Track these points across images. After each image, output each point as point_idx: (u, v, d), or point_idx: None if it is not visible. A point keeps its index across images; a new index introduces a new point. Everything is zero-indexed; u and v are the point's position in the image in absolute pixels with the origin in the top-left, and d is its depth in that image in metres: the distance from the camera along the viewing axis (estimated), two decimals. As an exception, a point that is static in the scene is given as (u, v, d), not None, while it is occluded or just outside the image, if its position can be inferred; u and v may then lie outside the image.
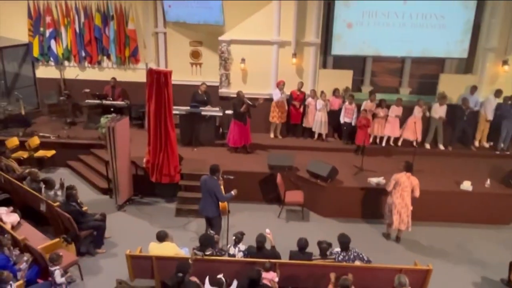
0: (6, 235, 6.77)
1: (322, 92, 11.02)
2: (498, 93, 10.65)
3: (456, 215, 8.97)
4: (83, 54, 12.28)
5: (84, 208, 7.90)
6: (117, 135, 8.64)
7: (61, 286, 6.20)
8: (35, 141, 10.69)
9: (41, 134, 11.08)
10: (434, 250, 8.17)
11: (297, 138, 11.45)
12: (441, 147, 10.92)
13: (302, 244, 6.57)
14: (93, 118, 11.60)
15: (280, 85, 10.89)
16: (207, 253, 6.32)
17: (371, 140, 10.83)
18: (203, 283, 5.93)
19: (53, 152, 10.74)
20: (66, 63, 12.50)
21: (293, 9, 10.80)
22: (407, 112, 10.76)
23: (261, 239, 6.56)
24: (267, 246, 6.68)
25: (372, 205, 9.05)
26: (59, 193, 8.21)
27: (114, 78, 11.98)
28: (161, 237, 6.56)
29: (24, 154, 10.49)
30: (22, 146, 10.60)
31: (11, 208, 7.76)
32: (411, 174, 7.96)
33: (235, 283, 6.00)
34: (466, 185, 9.03)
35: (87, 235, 7.64)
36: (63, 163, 10.90)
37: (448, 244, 8.36)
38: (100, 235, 7.87)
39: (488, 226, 8.91)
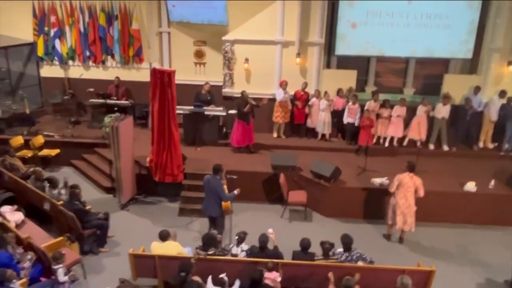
0: (10, 233, 6.79)
1: (325, 92, 11.01)
2: (502, 93, 10.60)
3: (459, 216, 8.94)
4: (88, 53, 12.35)
5: (88, 207, 7.94)
6: (121, 134, 8.67)
7: (64, 285, 6.21)
8: (39, 140, 10.75)
9: (45, 133, 11.14)
10: (437, 251, 8.12)
11: (301, 138, 11.44)
12: (445, 147, 10.87)
13: (305, 244, 6.57)
14: (97, 117, 11.65)
15: (283, 85, 10.90)
16: (210, 252, 6.33)
17: (374, 140, 10.80)
18: (206, 283, 5.93)
19: (57, 151, 10.80)
20: (70, 62, 12.58)
21: (297, 9, 10.80)
22: (411, 112, 10.73)
23: (264, 239, 6.55)
24: (270, 246, 6.66)
25: (375, 206, 9.02)
26: (63, 192, 8.26)
27: (118, 78, 12.03)
28: (164, 236, 6.58)
29: (28, 153, 10.54)
30: (26, 145, 10.65)
31: (15, 207, 7.80)
32: (414, 174, 7.94)
33: (237, 282, 6.00)
34: (470, 186, 8.98)
35: (91, 234, 7.68)
36: (67, 162, 10.94)
37: (452, 245, 8.33)
38: (103, 234, 7.90)
39: (492, 227, 8.86)
